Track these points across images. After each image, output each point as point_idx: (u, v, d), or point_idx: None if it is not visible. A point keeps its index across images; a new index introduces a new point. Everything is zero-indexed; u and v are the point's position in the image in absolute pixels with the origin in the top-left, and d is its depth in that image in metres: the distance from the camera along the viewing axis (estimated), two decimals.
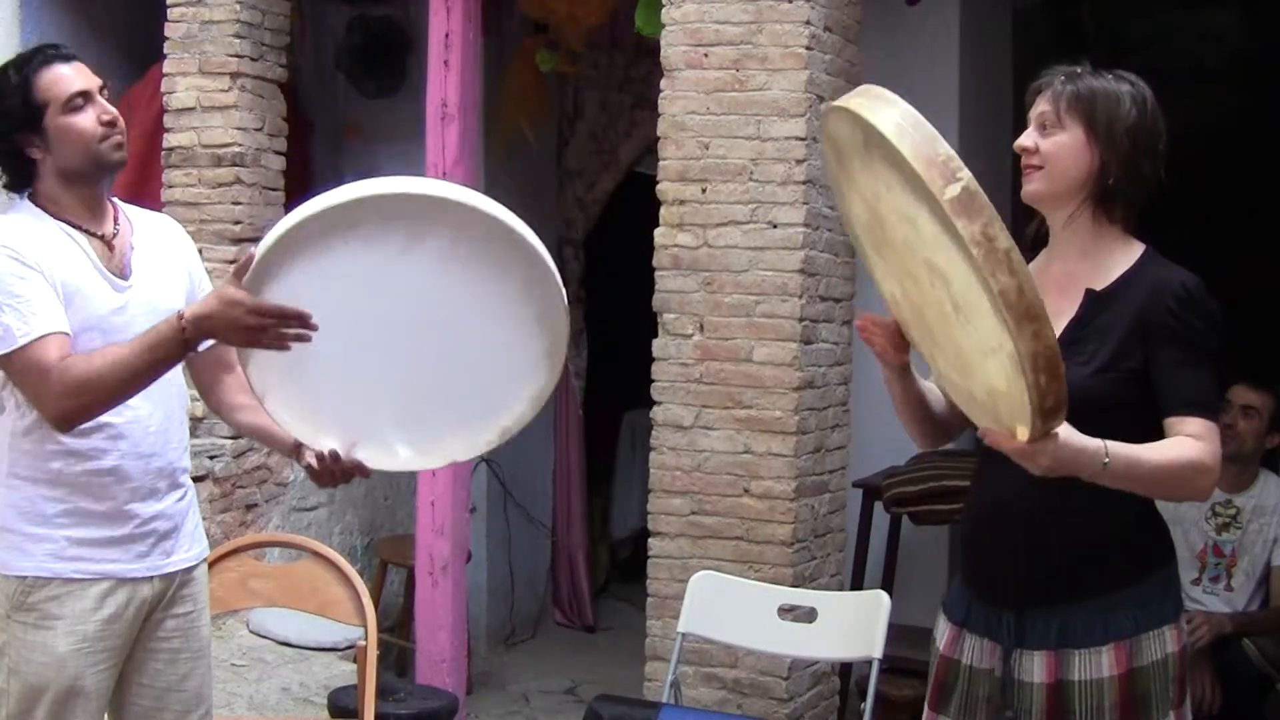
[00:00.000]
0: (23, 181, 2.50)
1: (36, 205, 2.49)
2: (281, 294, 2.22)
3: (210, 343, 2.55)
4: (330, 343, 2.25)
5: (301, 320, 2.21)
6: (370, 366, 2.34)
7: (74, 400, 2.31)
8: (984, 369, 2.00)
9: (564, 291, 2.30)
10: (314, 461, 2.42)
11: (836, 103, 2.04)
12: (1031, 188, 2.27)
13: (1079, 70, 2.27)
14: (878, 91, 1.98)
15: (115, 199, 2.60)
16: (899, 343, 2.31)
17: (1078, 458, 2.03)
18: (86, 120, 2.45)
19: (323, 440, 2.41)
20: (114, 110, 2.49)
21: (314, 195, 2.21)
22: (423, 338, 2.32)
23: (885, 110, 1.92)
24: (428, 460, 2.53)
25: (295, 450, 2.47)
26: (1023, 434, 1.98)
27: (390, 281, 2.24)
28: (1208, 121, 6.48)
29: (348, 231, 2.18)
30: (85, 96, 2.46)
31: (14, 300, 2.33)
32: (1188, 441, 2.13)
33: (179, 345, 2.29)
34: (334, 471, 2.42)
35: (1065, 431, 2.00)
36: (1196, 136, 6.09)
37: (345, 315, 2.26)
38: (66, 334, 2.35)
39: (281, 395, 2.37)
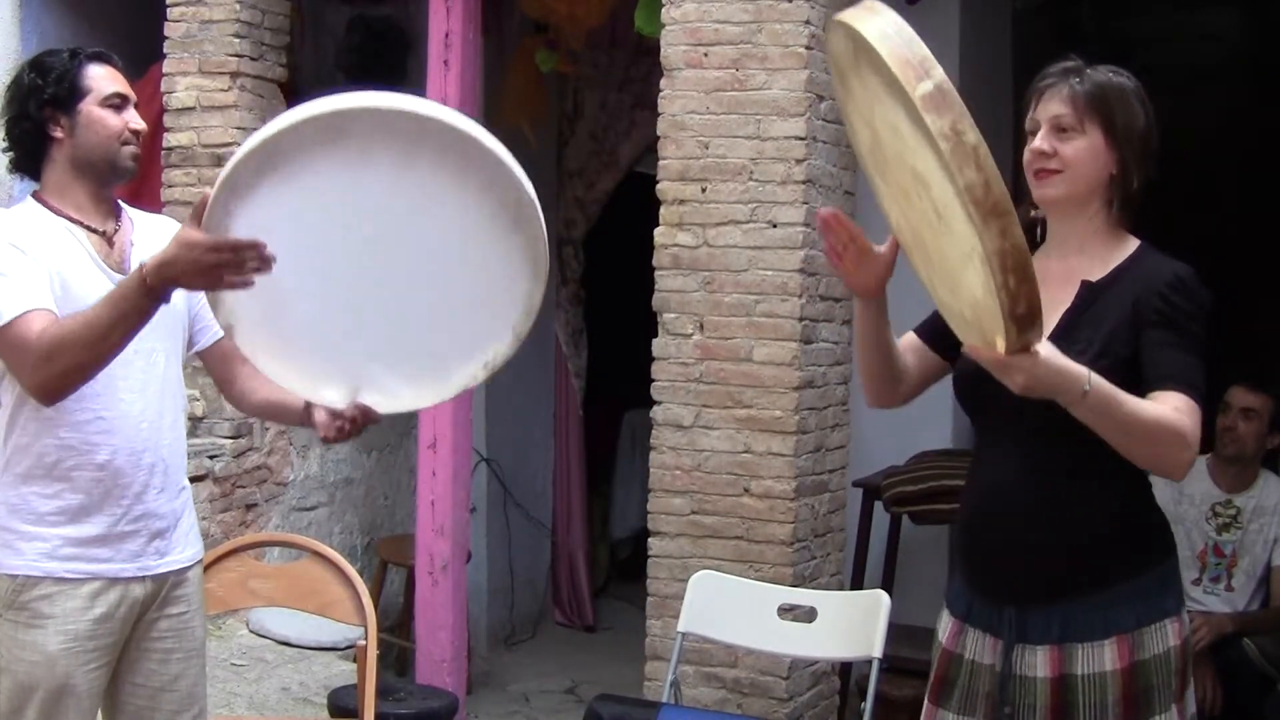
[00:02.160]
0: (32, 164, 2.53)
1: (40, 202, 2.52)
2: (242, 231, 2.18)
3: (215, 336, 2.55)
4: (304, 280, 2.22)
5: (258, 250, 2.16)
6: (348, 301, 2.29)
7: (50, 366, 2.31)
8: (965, 280, 1.97)
9: (533, 193, 2.19)
10: (323, 417, 2.42)
11: (835, 17, 2.05)
12: (1050, 192, 2.24)
13: (1081, 66, 2.26)
14: (870, 4, 1.99)
15: (120, 201, 2.63)
16: (883, 274, 2.26)
17: (1057, 378, 1.99)
18: (117, 120, 2.52)
19: (324, 392, 2.39)
20: (143, 124, 2.58)
21: None
22: (396, 264, 2.25)
23: (872, 19, 1.94)
24: (430, 395, 2.43)
25: (306, 413, 2.48)
26: (1000, 346, 1.95)
27: (352, 206, 2.18)
28: (1208, 121, 6.49)
29: (298, 158, 2.12)
30: (124, 100, 2.54)
31: (1, 279, 2.35)
32: (1169, 408, 2.09)
33: (143, 296, 2.26)
34: (343, 423, 2.41)
35: (1047, 350, 1.97)
36: (1197, 136, 6.10)
37: (314, 248, 2.22)
38: (52, 311, 2.36)
39: (271, 350, 2.34)
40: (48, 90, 2.48)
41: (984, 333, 2.00)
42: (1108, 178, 2.23)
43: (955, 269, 2.00)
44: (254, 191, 2.15)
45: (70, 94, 2.49)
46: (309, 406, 2.47)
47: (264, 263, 2.17)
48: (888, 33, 1.90)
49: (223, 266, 2.18)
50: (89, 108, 2.49)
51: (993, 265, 1.84)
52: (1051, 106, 2.24)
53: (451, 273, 2.27)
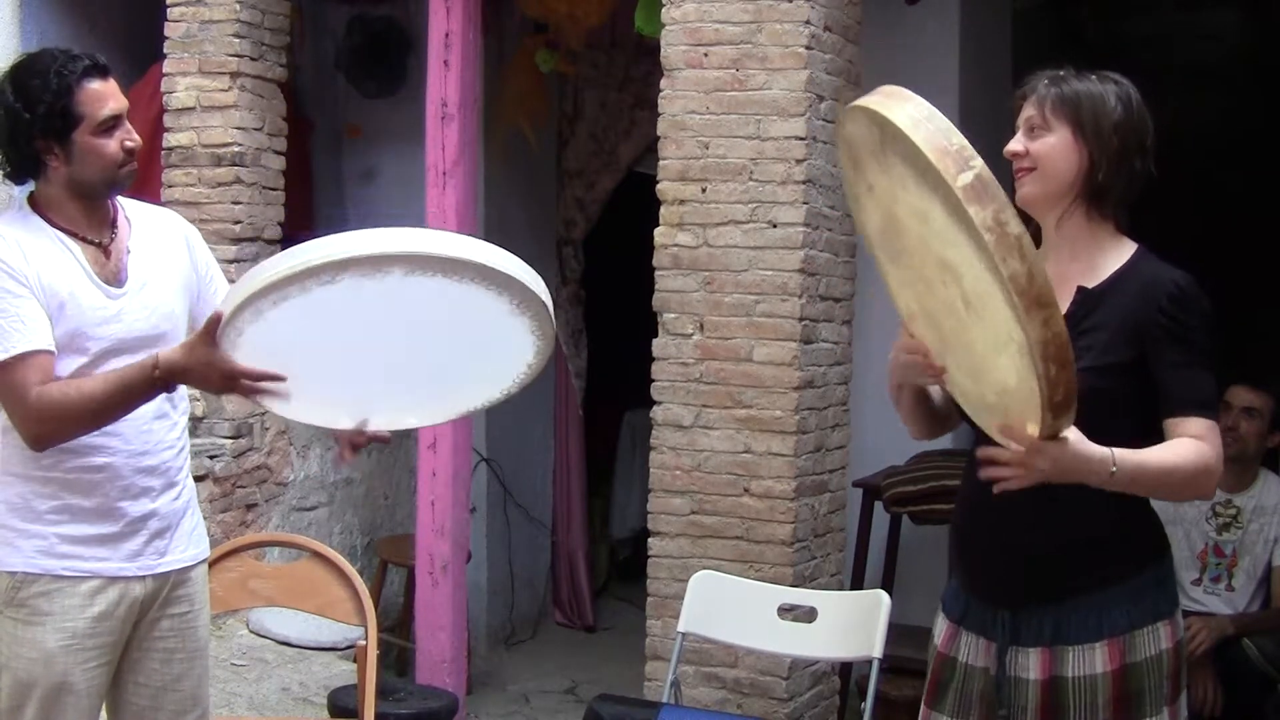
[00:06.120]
0: (26, 177, 2.51)
1: (35, 211, 2.49)
2: (254, 342, 2.26)
3: None
4: (315, 369, 2.33)
5: (275, 380, 2.30)
6: (361, 377, 2.40)
7: (45, 426, 2.36)
8: (995, 367, 2.00)
9: (549, 306, 2.34)
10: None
11: (854, 103, 2.05)
12: (1025, 191, 2.28)
13: (1062, 73, 2.29)
14: (895, 90, 2.00)
15: (117, 198, 2.60)
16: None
17: (1084, 465, 2.04)
18: (113, 144, 2.45)
19: (336, 422, 2.54)
20: (137, 138, 2.51)
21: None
22: (404, 350, 2.37)
23: (901, 106, 1.94)
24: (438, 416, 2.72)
25: None
26: (1033, 431, 1.98)
27: (368, 316, 2.26)
28: (1208, 121, 6.49)
29: (313, 288, 2.18)
30: (118, 120, 2.47)
31: (1, 317, 2.35)
32: (1189, 443, 2.14)
33: (151, 388, 2.37)
34: (356, 440, 2.54)
35: (1075, 437, 2.01)
36: (1197, 136, 6.10)
37: (325, 344, 2.30)
38: (50, 352, 2.37)
39: (279, 404, 2.43)
40: (38, 124, 2.40)
41: (1009, 418, 2.03)
42: (1080, 174, 2.24)
43: (981, 357, 2.04)
44: (265, 315, 2.23)
45: (63, 124, 2.41)
46: None
47: (279, 387, 2.31)
48: (920, 120, 1.91)
49: (236, 388, 2.31)
50: (83, 138, 2.42)
51: (1035, 354, 1.88)
52: (1025, 110, 2.28)
53: (460, 352, 2.40)
